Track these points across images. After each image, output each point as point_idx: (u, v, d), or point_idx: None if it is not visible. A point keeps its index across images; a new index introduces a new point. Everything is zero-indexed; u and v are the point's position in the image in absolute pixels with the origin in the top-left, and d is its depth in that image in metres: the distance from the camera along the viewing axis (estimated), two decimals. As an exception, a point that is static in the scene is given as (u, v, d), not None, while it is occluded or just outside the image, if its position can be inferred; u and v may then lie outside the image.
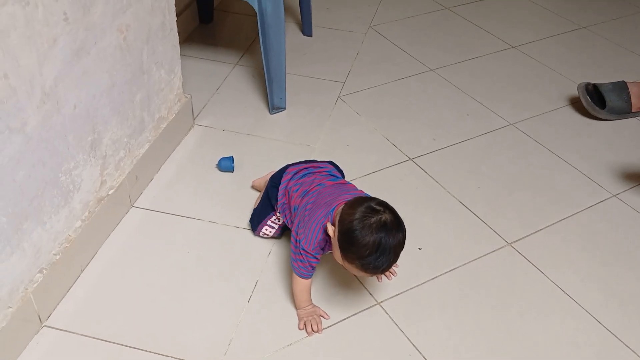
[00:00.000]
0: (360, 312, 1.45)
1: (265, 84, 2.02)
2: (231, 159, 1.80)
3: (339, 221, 1.27)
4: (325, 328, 1.40)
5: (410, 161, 1.91)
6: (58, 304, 1.40)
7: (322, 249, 1.37)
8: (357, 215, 1.24)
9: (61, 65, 1.28)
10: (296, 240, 1.37)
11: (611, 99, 2.10)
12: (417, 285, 1.51)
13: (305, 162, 1.56)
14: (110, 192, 1.55)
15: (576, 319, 1.46)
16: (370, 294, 1.48)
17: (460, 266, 1.57)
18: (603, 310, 1.48)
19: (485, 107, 2.18)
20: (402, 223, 1.27)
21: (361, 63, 2.39)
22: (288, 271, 1.50)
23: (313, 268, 1.38)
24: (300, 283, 1.39)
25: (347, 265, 1.28)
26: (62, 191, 1.37)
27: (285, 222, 1.50)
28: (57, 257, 1.37)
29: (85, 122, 1.41)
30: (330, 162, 1.56)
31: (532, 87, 2.31)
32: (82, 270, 1.48)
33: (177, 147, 1.88)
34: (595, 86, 2.14)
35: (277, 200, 1.50)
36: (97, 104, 1.44)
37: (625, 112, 2.13)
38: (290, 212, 1.45)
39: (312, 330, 1.38)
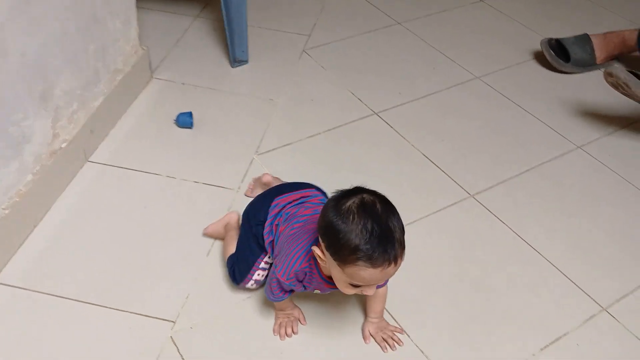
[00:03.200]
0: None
1: (226, 36, 1.97)
2: (189, 114, 1.74)
3: (318, 230, 1.09)
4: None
5: (375, 115, 1.88)
6: (9, 260, 1.36)
7: (301, 282, 1.19)
8: (330, 205, 1.06)
9: (7, 10, 1.22)
10: (273, 266, 1.22)
11: (575, 52, 2.09)
12: (380, 238, 1.49)
13: (290, 185, 1.37)
14: (63, 146, 1.50)
15: (537, 268, 1.46)
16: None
17: (422, 217, 1.55)
18: (565, 260, 1.48)
19: (451, 60, 2.15)
20: (389, 201, 1.08)
21: (327, 16, 2.33)
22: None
23: (287, 292, 1.23)
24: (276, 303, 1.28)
25: (352, 274, 1.04)
26: (11, 143, 1.31)
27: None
28: (7, 212, 1.33)
29: (35, 71, 1.35)
30: (311, 185, 1.35)
31: (499, 41, 2.28)
32: (34, 226, 1.43)
33: (134, 101, 1.82)
34: (558, 41, 2.12)
35: (264, 239, 1.28)
36: (48, 53, 1.38)
37: (589, 64, 2.11)
38: (273, 246, 1.26)
39: (286, 334, 1.27)
